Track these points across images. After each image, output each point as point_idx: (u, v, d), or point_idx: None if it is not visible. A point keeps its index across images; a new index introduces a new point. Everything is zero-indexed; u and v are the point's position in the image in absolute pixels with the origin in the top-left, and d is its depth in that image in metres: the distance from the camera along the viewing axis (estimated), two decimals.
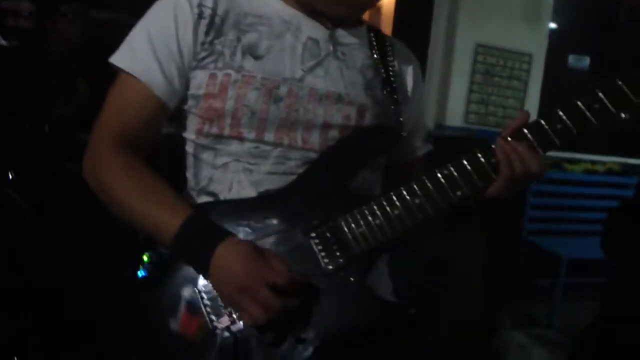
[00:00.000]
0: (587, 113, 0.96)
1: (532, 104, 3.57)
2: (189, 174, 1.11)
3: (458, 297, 2.67)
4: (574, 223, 3.74)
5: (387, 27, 3.64)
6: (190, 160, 1.11)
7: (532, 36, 3.45)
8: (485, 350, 3.23)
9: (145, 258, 1.07)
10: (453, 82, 3.33)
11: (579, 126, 0.97)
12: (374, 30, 1.22)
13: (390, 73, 1.17)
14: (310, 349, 0.95)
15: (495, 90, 3.42)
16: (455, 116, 3.36)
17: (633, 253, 1.73)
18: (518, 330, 3.57)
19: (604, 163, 3.80)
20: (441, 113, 3.39)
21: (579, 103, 0.96)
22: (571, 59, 4.66)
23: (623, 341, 1.66)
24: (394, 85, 1.17)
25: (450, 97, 3.36)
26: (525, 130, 0.99)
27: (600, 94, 0.96)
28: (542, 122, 0.98)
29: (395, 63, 1.20)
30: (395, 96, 1.16)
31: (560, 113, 0.97)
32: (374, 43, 1.19)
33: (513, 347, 3.46)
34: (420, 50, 3.57)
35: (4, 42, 3.20)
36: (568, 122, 0.97)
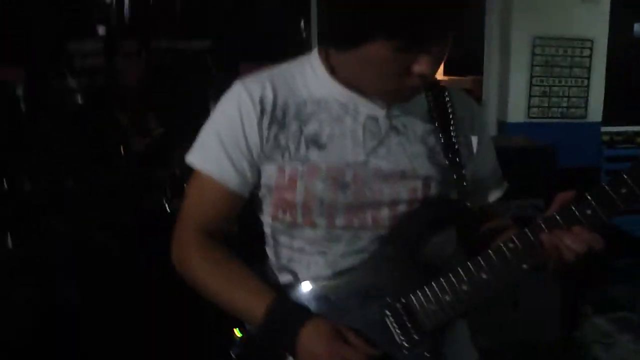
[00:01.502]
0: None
1: (597, 90, 3.46)
2: (269, 252, 1.19)
3: (534, 294, 2.66)
4: None
5: None
6: (269, 239, 1.18)
7: (592, 19, 3.33)
8: (568, 343, 3.21)
9: (237, 333, 1.17)
10: (512, 77, 3.27)
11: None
12: (432, 87, 1.22)
13: (452, 134, 1.19)
14: None
15: (556, 81, 3.34)
16: (517, 111, 3.30)
17: None
18: (600, 317, 3.51)
19: None
20: (502, 109, 3.34)
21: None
22: (637, 27, 4.46)
23: None
24: (456, 147, 1.18)
25: (510, 93, 3.31)
26: (573, 208, 1.01)
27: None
28: (589, 197, 1.00)
29: (457, 118, 1.20)
30: (459, 159, 1.17)
31: (606, 188, 0.99)
32: (432, 105, 1.20)
33: (597, 335, 3.41)
34: (476, 47, 3.53)
35: (73, 83, 3.39)
36: (614, 194, 0.98)
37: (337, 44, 1.05)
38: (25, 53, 3.45)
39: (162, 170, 2.81)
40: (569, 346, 3.18)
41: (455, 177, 1.16)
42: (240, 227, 1.21)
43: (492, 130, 3.34)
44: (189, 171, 1.18)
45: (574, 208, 1.01)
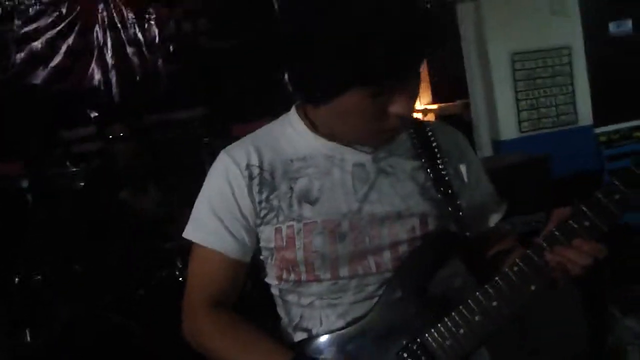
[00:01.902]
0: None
1: (583, 94, 3.50)
2: (281, 312, 1.19)
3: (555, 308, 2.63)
4: None
5: None
6: (278, 301, 1.19)
7: (565, 27, 3.40)
8: (601, 350, 3.14)
9: None
10: (498, 95, 3.32)
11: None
12: (414, 125, 1.24)
13: (440, 167, 1.19)
14: None
15: (542, 92, 3.38)
16: (508, 128, 3.33)
17: None
18: (631, 318, 3.44)
19: None
20: (494, 129, 3.37)
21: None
22: (612, 26, 4.52)
23: None
24: (446, 179, 1.19)
25: (499, 111, 3.34)
26: (570, 222, 1.02)
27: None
28: (584, 208, 1.01)
29: (442, 151, 1.21)
30: (451, 190, 1.18)
31: (600, 197, 1.00)
32: (415, 141, 1.21)
33: (630, 337, 3.34)
34: (460, 71, 3.58)
35: (72, 169, 3.46)
36: (607, 201, 1.00)
37: (312, 100, 1.08)
38: (22, 147, 3.53)
39: (170, 242, 2.84)
40: (603, 353, 3.12)
41: (450, 209, 1.17)
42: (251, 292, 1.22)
43: (488, 151, 3.37)
44: None
45: (571, 222, 1.01)
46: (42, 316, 2.48)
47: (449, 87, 3.92)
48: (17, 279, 2.52)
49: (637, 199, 1.01)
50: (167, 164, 3.20)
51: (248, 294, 1.22)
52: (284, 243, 1.11)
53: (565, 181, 2.83)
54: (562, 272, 1.02)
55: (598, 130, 3.66)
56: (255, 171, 1.13)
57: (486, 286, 1.05)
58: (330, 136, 1.13)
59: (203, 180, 1.19)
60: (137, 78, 3.37)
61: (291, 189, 1.12)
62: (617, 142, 3.76)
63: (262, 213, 1.12)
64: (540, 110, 3.36)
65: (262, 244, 1.14)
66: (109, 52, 3.26)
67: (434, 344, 1.06)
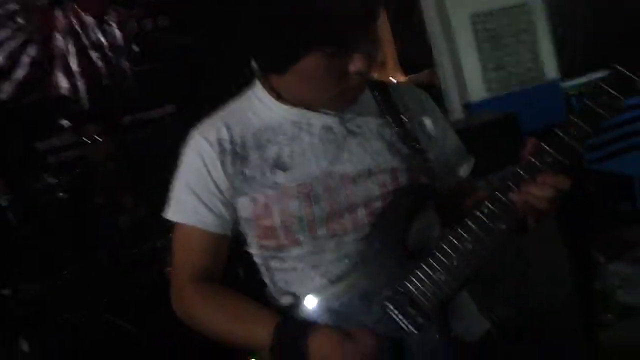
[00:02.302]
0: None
1: (546, 49, 3.55)
2: (266, 279, 1.23)
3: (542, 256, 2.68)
4: (633, 137, 3.63)
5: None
6: (262, 269, 1.23)
7: None
8: (589, 296, 3.21)
9: None
10: (463, 59, 3.36)
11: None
12: (376, 86, 1.27)
13: (406, 122, 1.23)
14: None
15: (507, 51, 3.43)
16: (476, 90, 3.38)
17: None
18: (616, 263, 3.51)
19: None
20: (463, 92, 3.42)
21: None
22: None
23: None
24: (412, 133, 1.23)
25: (465, 73, 3.39)
26: (533, 160, 1.06)
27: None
28: (545, 146, 1.05)
29: (406, 107, 1.25)
30: (418, 145, 1.22)
31: (559, 133, 1.05)
32: (379, 101, 1.25)
33: (617, 281, 3.42)
34: (419, 35, 3.62)
35: (52, 180, 3.44)
36: (567, 138, 1.04)
37: (272, 68, 1.11)
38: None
39: (160, 239, 2.85)
40: (592, 299, 3.19)
41: (419, 162, 1.21)
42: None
43: (459, 114, 3.42)
44: None
45: (533, 159, 1.06)
46: (38, 325, 2.48)
47: (416, 58, 3.95)
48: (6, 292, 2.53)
49: (594, 132, 1.05)
50: (142, 163, 3.20)
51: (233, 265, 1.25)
52: (261, 211, 1.14)
53: (536, 136, 2.86)
54: (529, 209, 1.06)
55: (566, 83, 3.72)
56: (227, 145, 1.16)
57: (458, 229, 1.09)
58: (295, 103, 1.16)
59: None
60: (103, 82, 3.35)
61: (263, 158, 1.15)
62: None
63: (237, 184, 1.15)
64: (507, 69, 3.40)
65: (240, 214, 1.17)
66: (73, 58, 3.24)
67: (414, 291, 1.10)
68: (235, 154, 1.16)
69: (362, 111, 1.21)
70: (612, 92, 1.00)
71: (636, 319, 2.99)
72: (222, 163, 1.16)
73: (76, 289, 2.71)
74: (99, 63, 3.27)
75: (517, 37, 3.41)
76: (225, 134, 1.17)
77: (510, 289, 2.35)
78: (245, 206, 1.16)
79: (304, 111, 1.17)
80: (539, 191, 1.04)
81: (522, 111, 2.99)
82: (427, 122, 1.28)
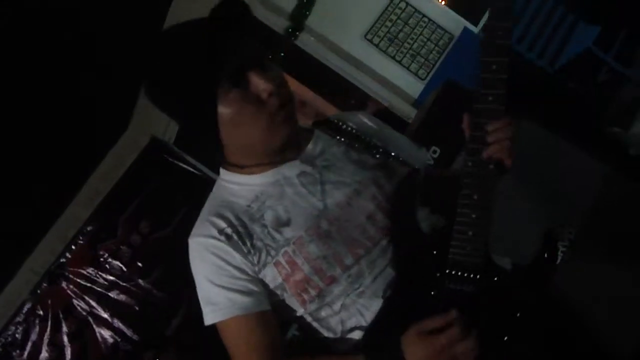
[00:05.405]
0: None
1: (440, 13, 3.65)
2: (326, 333, 1.26)
3: None
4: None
5: None
6: (314, 325, 1.26)
7: None
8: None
9: None
10: (383, 73, 3.48)
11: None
12: (318, 124, 1.39)
13: (360, 137, 1.33)
14: None
15: (410, 41, 3.53)
16: (412, 87, 3.48)
17: None
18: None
19: None
20: (405, 96, 3.52)
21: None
22: None
23: None
24: (370, 142, 1.33)
25: (394, 82, 3.51)
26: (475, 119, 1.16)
27: None
28: (475, 105, 1.15)
29: (353, 126, 1.36)
30: (381, 149, 1.32)
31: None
32: (330, 133, 1.35)
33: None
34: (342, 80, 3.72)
35: None
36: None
37: (206, 130, 1.16)
38: None
39: None
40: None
41: (389, 159, 1.30)
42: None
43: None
44: None
45: (475, 119, 1.17)
46: None
47: (352, 98, 4.07)
48: None
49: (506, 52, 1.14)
50: None
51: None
52: (289, 269, 1.20)
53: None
54: (502, 152, 1.16)
55: (477, 28, 3.80)
56: (229, 231, 1.22)
57: (461, 191, 1.17)
58: (260, 167, 1.24)
59: None
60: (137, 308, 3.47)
61: (264, 226, 1.22)
62: None
63: (256, 260, 1.21)
64: (421, 52, 3.53)
65: (270, 285, 1.22)
66: (101, 312, 3.38)
67: (459, 257, 1.18)
68: (240, 235, 1.21)
69: (322, 148, 1.30)
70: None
71: None
72: (235, 248, 1.20)
73: None
74: (124, 297, 3.41)
75: (408, 24, 3.54)
76: (222, 223, 1.22)
77: None
78: (273, 274, 1.21)
79: (274, 170, 1.25)
80: (500, 135, 1.14)
81: (459, 73, 3.09)
82: (375, 132, 1.40)
